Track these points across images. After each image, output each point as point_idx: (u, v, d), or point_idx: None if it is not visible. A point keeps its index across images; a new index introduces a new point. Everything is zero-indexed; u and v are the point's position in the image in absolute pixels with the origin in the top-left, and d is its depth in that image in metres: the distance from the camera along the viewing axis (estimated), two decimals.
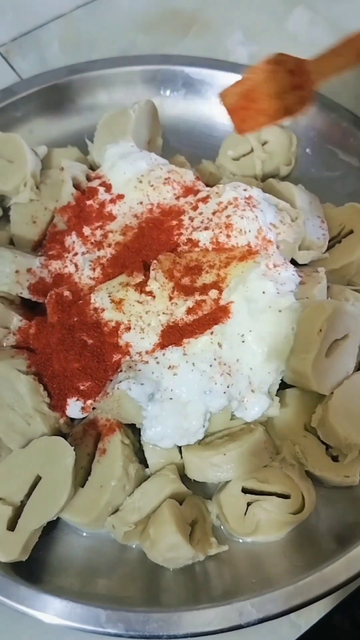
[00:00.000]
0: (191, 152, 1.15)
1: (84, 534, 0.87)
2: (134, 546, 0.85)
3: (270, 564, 0.83)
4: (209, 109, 1.20)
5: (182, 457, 0.87)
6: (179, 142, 1.18)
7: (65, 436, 0.87)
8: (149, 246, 0.92)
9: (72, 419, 0.89)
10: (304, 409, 0.89)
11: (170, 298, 0.87)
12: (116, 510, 0.83)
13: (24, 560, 0.80)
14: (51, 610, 0.78)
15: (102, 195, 0.99)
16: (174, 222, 0.93)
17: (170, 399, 0.83)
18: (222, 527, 0.86)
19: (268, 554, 0.84)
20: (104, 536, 0.86)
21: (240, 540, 0.85)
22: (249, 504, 0.84)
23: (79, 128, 1.17)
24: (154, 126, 1.13)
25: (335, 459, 0.87)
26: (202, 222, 0.92)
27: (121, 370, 0.84)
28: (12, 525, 0.80)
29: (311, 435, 0.88)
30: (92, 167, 1.09)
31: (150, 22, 1.35)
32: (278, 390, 0.88)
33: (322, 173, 1.13)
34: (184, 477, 0.87)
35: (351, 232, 1.01)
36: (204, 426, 0.84)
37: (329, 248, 1.00)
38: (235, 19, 1.34)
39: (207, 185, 1.04)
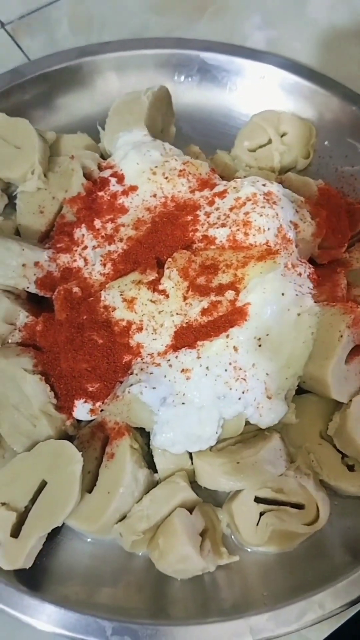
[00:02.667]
0: (205, 142, 1.11)
1: (89, 539, 0.84)
2: (140, 554, 0.83)
3: (281, 576, 0.81)
4: (225, 97, 1.15)
5: (192, 463, 0.84)
6: (192, 131, 1.14)
7: (71, 439, 0.84)
8: (163, 242, 0.88)
9: (79, 421, 0.86)
10: (320, 416, 0.86)
11: (185, 298, 0.83)
12: (123, 517, 0.80)
13: (27, 567, 0.77)
14: (55, 621, 0.75)
15: (114, 186, 0.94)
16: (189, 218, 0.89)
17: (183, 403, 0.80)
18: (232, 536, 0.83)
19: (280, 565, 0.82)
20: (110, 543, 0.83)
21: (250, 550, 0.82)
22: (261, 514, 0.81)
23: (89, 113, 1.13)
24: (168, 114, 1.08)
25: (351, 468, 0.84)
26: (218, 218, 0.88)
27: (132, 373, 0.81)
28: (15, 532, 0.77)
29: (327, 443, 0.85)
30: (103, 156, 1.05)
31: (164, 3, 1.30)
32: (293, 396, 0.85)
33: (341, 167, 1.08)
34: (194, 484, 0.84)
35: None
36: (217, 432, 0.81)
37: (348, 247, 0.96)
38: (253, 2, 1.29)
39: (222, 177, 1.00)
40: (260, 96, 1.14)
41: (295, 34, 1.25)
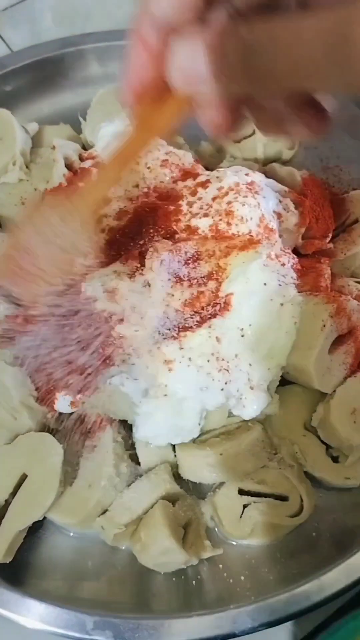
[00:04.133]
0: (189, 133, 1.09)
1: (71, 534, 0.82)
2: (123, 547, 0.81)
3: (266, 569, 0.80)
4: None
5: (175, 455, 0.83)
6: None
7: (53, 431, 0.83)
8: (145, 232, 0.87)
9: (61, 414, 0.85)
10: (304, 407, 0.85)
11: None
12: (105, 510, 0.79)
13: (7, 562, 0.76)
14: (35, 616, 0.74)
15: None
16: (172, 208, 0.88)
17: (165, 395, 0.79)
18: (216, 529, 0.82)
19: (264, 558, 0.81)
20: (92, 536, 0.82)
21: (235, 543, 0.82)
22: (245, 506, 0.80)
23: (71, 104, 1.12)
24: None
25: (335, 459, 0.83)
26: (201, 208, 0.87)
27: (113, 364, 0.80)
28: None
29: (311, 434, 0.84)
30: (85, 146, 1.04)
31: None
32: (277, 387, 0.84)
33: (326, 158, 1.07)
34: (177, 476, 0.83)
35: (357, 221, 0.97)
36: (199, 424, 0.80)
37: (332, 237, 0.96)
38: None
39: (207, 169, 0.99)
40: None
41: None
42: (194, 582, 0.79)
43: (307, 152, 1.09)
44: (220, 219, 0.85)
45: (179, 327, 0.81)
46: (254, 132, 1.06)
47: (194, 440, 0.82)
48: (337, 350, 0.82)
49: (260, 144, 1.04)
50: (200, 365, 0.79)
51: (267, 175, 0.94)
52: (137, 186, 0.92)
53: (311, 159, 1.09)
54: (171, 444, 0.82)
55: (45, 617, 0.74)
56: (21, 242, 0.73)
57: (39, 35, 1.23)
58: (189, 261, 0.83)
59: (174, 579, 0.79)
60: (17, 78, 1.11)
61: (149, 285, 0.83)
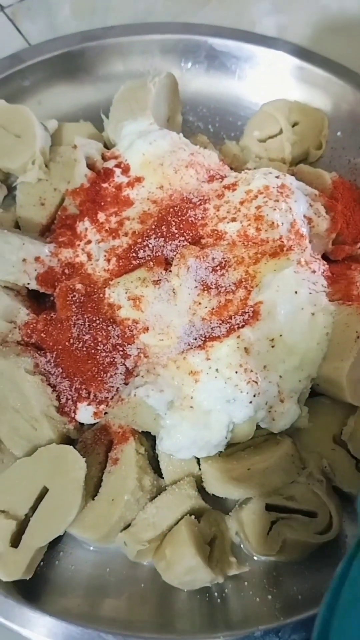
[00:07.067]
0: (213, 131, 1.08)
1: (92, 548, 0.80)
2: (145, 562, 0.79)
3: (294, 587, 0.77)
4: (233, 85, 1.11)
5: (200, 468, 0.80)
6: (199, 120, 1.10)
7: (74, 442, 0.80)
8: (170, 237, 0.84)
9: (82, 424, 0.82)
10: (333, 420, 0.82)
11: None
12: (128, 525, 0.77)
13: (27, 579, 0.74)
14: (56, 635, 0.72)
15: (119, 177, 0.90)
16: (198, 211, 0.85)
17: (191, 407, 0.76)
18: (241, 545, 0.80)
19: (292, 575, 0.78)
20: (113, 551, 0.80)
21: (255, 559, 0.79)
22: (272, 522, 0.77)
23: (92, 100, 1.09)
24: (174, 102, 1.04)
25: None
26: (228, 212, 0.84)
27: (138, 375, 0.77)
28: (15, 541, 0.73)
29: (340, 448, 0.81)
30: (107, 145, 1.00)
31: None
32: (306, 399, 0.81)
33: (354, 159, 1.04)
34: (201, 490, 0.80)
35: None
36: (226, 437, 0.77)
37: None
38: None
39: (231, 169, 0.96)
40: (271, 84, 1.09)
41: (305, 21, 1.21)
42: (219, 600, 0.77)
43: (334, 153, 1.06)
44: (249, 224, 0.82)
45: (205, 337, 0.78)
46: (280, 131, 1.02)
47: (219, 454, 0.79)
48: None
49: (288, 143, 1.01)
50: (228, 376, 0.76)
51: (296, 177, 0.91)
52: (161, 188, 0.89)
53: (338, 159, 1.05)
54: (196, 457, 0.79)
55: (65, 636, 0.72)
56: None
57: (57, 28, 1.19)
58: (217, 268, 0.80)
59: (198, 597, 0.77)
60: (36, 73, 1.07)
61: (175, 293, 0.80)
